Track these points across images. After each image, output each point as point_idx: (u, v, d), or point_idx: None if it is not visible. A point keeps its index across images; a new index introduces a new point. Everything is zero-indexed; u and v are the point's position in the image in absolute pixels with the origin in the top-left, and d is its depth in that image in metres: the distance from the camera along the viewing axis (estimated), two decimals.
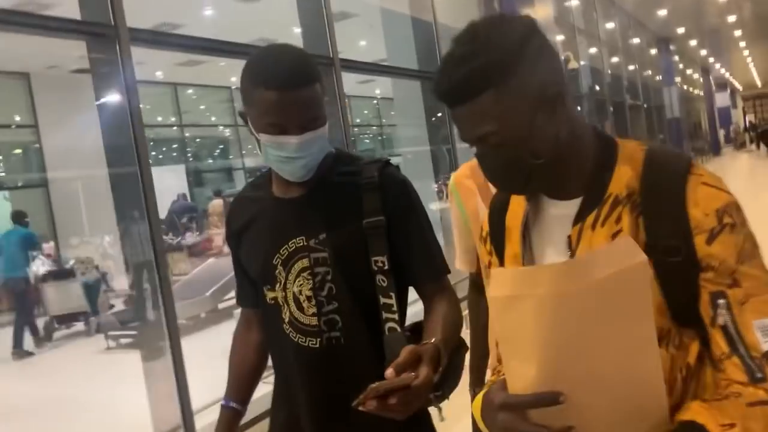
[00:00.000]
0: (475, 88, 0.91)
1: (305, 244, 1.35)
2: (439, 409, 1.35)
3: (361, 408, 1.03)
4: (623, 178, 0.97)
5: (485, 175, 1.02)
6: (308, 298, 1.34)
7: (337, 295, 1.34)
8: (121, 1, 3.25)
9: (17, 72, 11.85)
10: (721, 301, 0.92)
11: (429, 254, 1.40)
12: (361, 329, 1.35)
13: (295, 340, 1.35)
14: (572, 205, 1.01)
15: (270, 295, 1.39)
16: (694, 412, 0.87)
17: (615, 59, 15.28)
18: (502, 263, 1.11)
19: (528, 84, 0.92)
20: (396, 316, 1.34)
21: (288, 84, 1.23)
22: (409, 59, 7.29)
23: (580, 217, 0.99)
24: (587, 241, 0.97)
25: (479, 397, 0.99)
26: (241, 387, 1.53)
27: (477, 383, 1.87)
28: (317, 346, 1.34)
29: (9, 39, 3.22)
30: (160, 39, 3.93)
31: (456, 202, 1.87)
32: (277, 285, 1.37)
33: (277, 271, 1.36)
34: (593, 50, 13.49)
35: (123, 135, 3.29)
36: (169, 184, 12.78)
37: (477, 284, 1.89)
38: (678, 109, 20.58)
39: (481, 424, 0.97)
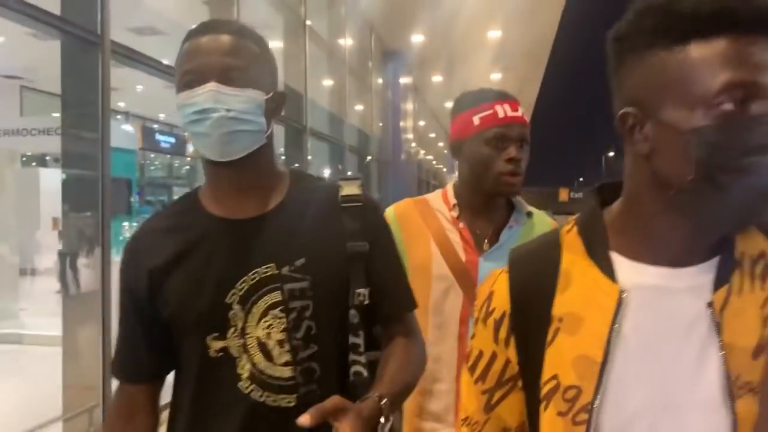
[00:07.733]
0: None
1: (276, 272, 1.10)
2: None
3: None
4: (748, 235, 0.74)
5: None
6: (279, 343, 1.09)
7: (317, 337, 1.10)
8: None
9: None
10: None
11: (405, 288, 1.23)
12: (335, 379, 1.12)
13: (260, 399, 1.09)
14: (697, 273, 0.72)
15: (216, 345, 1.10)
16: None
17: None
18: (529, 363, 0.79)
19: None
20: (363, 359, 1.13)
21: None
22: None
23: (722, 279, 0.71)
24: (733, 311, 0.70)
25: None
26: None
27: None
28: (293, 404, 1.08)
29: None
30: None
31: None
32: (230, 331, 1.09)
33: (231, 313, 1.09)
34: None
35: None
36: None
37: None
38: None
39: None
